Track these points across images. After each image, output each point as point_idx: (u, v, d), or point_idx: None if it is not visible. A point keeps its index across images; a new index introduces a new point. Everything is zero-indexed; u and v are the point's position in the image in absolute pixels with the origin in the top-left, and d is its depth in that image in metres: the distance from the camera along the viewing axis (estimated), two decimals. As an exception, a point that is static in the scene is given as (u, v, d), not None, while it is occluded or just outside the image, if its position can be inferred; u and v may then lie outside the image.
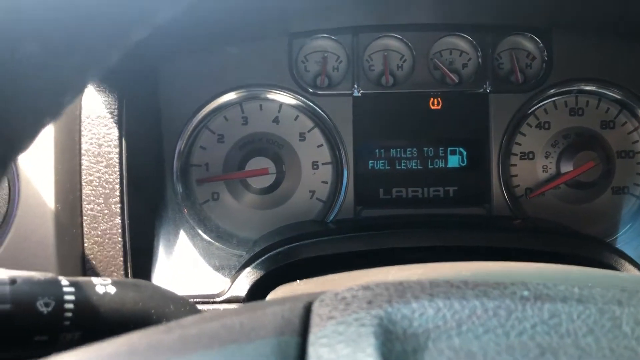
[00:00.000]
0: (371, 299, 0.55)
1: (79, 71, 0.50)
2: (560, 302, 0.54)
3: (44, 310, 0.66)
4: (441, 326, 0.51)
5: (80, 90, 0.53)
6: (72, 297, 0.69)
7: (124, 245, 1.05)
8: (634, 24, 1.25)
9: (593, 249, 1.11)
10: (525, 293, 0.56)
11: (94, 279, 0.73)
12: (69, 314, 0.68)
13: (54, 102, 0.50)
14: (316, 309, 0.56)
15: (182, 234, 1.23)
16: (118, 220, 1.05)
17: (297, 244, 1.09)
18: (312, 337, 0.51)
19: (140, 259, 1.10)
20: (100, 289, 0.72)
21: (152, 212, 1.19)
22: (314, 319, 0.54)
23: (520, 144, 1.31)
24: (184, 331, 0.53)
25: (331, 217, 1.29)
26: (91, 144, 1.06)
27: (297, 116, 1.30)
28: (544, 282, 0.59)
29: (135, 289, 0.77)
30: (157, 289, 0.80)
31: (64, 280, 0.70)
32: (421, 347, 0.49)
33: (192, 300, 1.06)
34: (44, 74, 0.47)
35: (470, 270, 0.90)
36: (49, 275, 0.68)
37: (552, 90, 1.29)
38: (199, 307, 1.06)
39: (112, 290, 0.73)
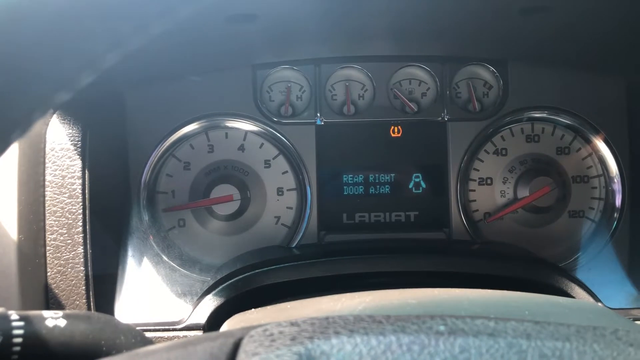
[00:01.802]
0: (295, 335, 0.59)
1: (47, 94, 0.51)
2: (472, 337, 0.58)
3: (-8, 344, 0.68)
4: (357, 362, 0.55)
5: (46, 111, 0.53)
6: (20, 332, 0.71)
7: (87, 274, 1.08)
8: (586, 55, 1.30)
9: (545, 273, 1.15)
10: (442, 328, 0.59)
11: (45, 313, 0.76)
12: (17, 348, 0.71)
13: (21, 121, 0.52)
14: (244, 345, 0.59)
15: (147, 261, 1.25)
16: (81, 249, 1.08)
17: (257, 271, 1.12)
18: (237, 373, 0.54)
19: (103, 287, 1.12)
20: (50, 322, 0.75)
21: (117, 240, 1.21)
22: (240, 355, 0.57)
23: (478, 170, 1.35)
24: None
25: (296, 242, 1.32)
26: (55, 175, 1.09)
27: (262, 144, 1.33)
28: (465, 314, 0.63)
29: (86, 321, 0.79)
30: (110, 321, 0.82)
31: (13, 315, 0.72)
32: (335, 382, 0.53)
33: (152, 327, 1.09)
34: (12, 97, 0.49)
35: (417, 298, 0.93)
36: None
37: (508, 118, 1.33)
38: (160, 334, 1.10)
39: (62, 323, 0.76)
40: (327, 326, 0.60)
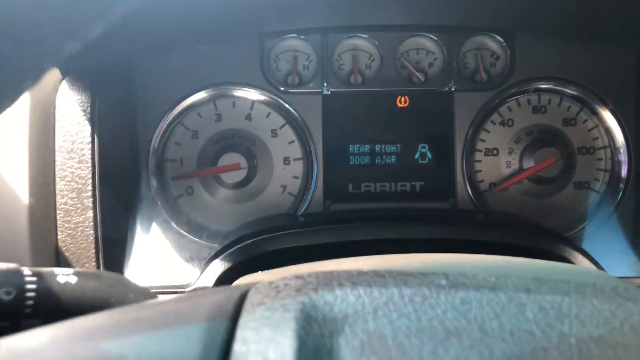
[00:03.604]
0: (300, 287, 0.60)
1: (58, 44, 0.52)
2: (474, 290, 0.59)
3: (6, 298, 0.70)
4: (359, 311, 0.56)
5: (58, 61, 0.55)
6: (33, 286, 0.73)
7: (96, 238, 1.10)
8: (594, 25, 1.29)
9: (549, 242, 1.16)
10: (443, 282, 0.61)
11: (56, 270, 0.78)
12: (30, 302, 0.73)
13: (32, 70, 0.53)
14: (250, 296, 0.61)
15: (155, 227, 1.27)
16: (90, 213, 1.10)
17: (264, 237, 1.14)
18: (241, 321, 0.56)
19: (112, 251, 1.14)
20: (61, 279, 0.77)
21: (126, 206, 1.23)
22: (247, 306, 0.58)
23: (484, 141, 1.35)
24: (123, 316, 0.58)
25: (302, 211, 1.34)
26: (64, 140, 1.11)
27: (269, 113, 1.34)
28: (467, 272, 0.64)
29: (96, 279, 0.81)
30: (119, 279, 0.84)
31: (26, 271, 0.74)
32: (338, 330, 0.54)
33: (161, 290, 1.11)
34: (23, 46, 0.50)
35: (421, 261, 0.95)
36: (12, 265, 0.73)
37: (514, 89, 1.33)
38: (168, 296, 1.12)
39: (73, 280, 0.78)
40: (332, 279, 0.61)
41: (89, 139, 1.11)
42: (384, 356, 0.51)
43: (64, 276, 0.78)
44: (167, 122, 1.31)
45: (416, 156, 1.36)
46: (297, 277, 0.63)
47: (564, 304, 0.57)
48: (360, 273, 0.63)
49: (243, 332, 0.54)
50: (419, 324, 0.55)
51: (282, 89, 1.33)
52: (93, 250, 1.10)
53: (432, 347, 0.52)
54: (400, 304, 0.57)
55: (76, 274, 0.79)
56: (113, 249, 1.15)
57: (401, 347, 0.52)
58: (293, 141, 1.34)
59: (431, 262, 0.92)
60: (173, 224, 1.29)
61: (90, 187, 1.10)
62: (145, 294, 0.86)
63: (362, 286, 0.59)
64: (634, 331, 0.54)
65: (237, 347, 0.53)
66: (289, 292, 0.59)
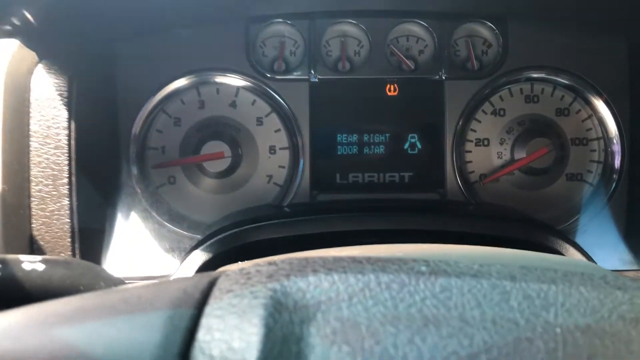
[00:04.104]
0: (272, 273, 0.57)
1: None
2: (455, 277, 0.56)
3: (-34, 284, 0.67)
4: (333, 298, 0.53)
5: None
6: (-4, 273, 0.70)
7: (72, 226, 1.06)
8: (588, 14, 1.26)
9: (540, 234, 1.13)
10: (423, 268, 0.57)
11: (22, 257, 0.74)
12: (-7, 289, 0.69)
13: None
14: (219, 283, 0.57)
15: (135, 216, 1.24)
16: (66, 201, 1.06)
17: (246, 227, 1.11)
18: (207, 309, 0.52)
19: (89, 240, 1.11)
20: (27, 266, 0.73)
21: (104, 194, 1.19)
22: (215, 292, 0.55)
23: (475, 131, 1.32)
24: (81, 303, 0.54)
25: (287, 202, 1.30)
26: (40, 125, 1.07)
27: (255, 100, 1.30)
28: (449, 259, 0.61)
29: (65, 266, 0.77)
30: (89, 268, 0.81)
31: (-11, 257, 0.71)
32: (309, 317, 0.51)
33: (139, 281, 1.08)
34: None
35: (405, 251, 0.92)
36: (-26, 251, 0.70)
37: (506, 78, 1.30)
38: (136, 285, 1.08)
39: (40, 267, 0.74)
40: (306, 265, 0.58)
41: (66, 124, 1.07)
42: (356, 345, 0.47)
43: (30, 263, 0.74)
44: (148, 109, 1.27)
45: (405, 146, 1.32)
46: (270, 263, 0.60)
47: (550, 293, 0.54)
48: (337, 259, 0.59)
49: (208, 320, 0.51)
50: (396, 311, 0.52)
51: (268, 75, 1.29)
52: (69, 240, 1.06)
53: (409, 335, 0.48)
54: (377, 290, 0.54)
55: (44, 261, 0.76)
56: (90, 238, 1.12)
57: (375, 335, 0.48)
58: (279, 130, 1.31)
59: (415, 251, 0.89)
60: (153, 214, 1.25)
61: (66, 174, 1.06)
62: (117, 283, 0.82)
63: (337, 272, 0.56)
64: (623, 320, 0.51)
65: (201, 335, 0.49)
66: (260, 278, 0.56)
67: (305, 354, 0.47)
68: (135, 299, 0.54)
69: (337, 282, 0.54)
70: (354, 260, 0.59)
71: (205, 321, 0.51)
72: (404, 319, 0.50)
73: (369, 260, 0.59)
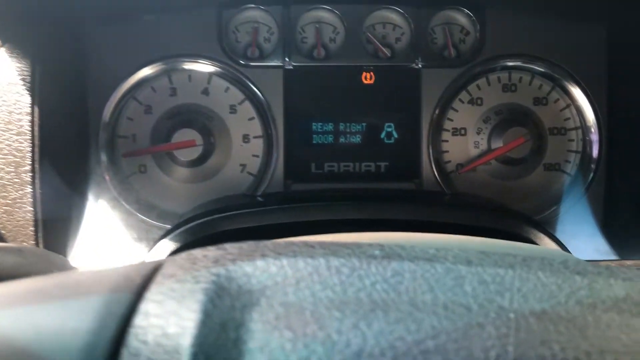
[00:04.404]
0: (219, 257, 0.54)
1: None
2: (408, 262, 0.53)
3: None
4: (279, 283, 0.50)
5: None
6: (-60, 259, 0.67)
7: (35, 215, 1.03)
8: (566, 1, 1.24)
9: (515, 224, 1.11)
10: (377, 252, 0.55)
11: (-30, 243, 0.71)
12: (-64, 276, 0.66)
13: None
14: (164, 268, 0.55)
15: (103, 205, 1.21)
16: (29, 189, 1.03)
17: (216, 216, 1.08)
18: (147, 294, 0.50)
19: (54, 229, 1.08)
20: (-25, 253, 0.70)
21: (71, 182, 1.16)
22: (157, 278, 0.53)
23: (452, 120, 1.30)
24: (16, 287, 0.52)
25: (261, 191, 1.28)
26: (1, 111, 1.04)
27: (228, 88, 1.27)
28: (406, 243, 0.59)
29: (17, 254, 0.75)
30: (44, 255, 0.78)
31: None
32: (252, 303, 0.48)
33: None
34: None
35: (371, 238, 0.89)
36: None
37: (483, 66, 1.28)
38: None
39: (-12, 254, 0.71)
40: (255, 250, 0.55)
41: (29, 110, 1.04)
42: (299, 330, 0.45)
43: (-22, 250, 0.72)
44: (118, 96, 1.24)
45: (382, 135, 1.30)
46: (219, 247, 0.57)
47: (507, 277, 0.52)
48: (289, 244, 0.57)
49: (146, 305, 0.48)
50: (344, 296, 0.49)
51: (241, 62, 1.26)
52: (32, 229, 1.03)
53: (354, 320, 0.46)
54: (326, 274, 0.51)
55: (-7, 247, 0.73)
56: (55, 227, 1.09)
57: (319, 320, 0.46)
58: (253, 118, 1.28)
59: (382, 239, 0.86)
60: (122, 202, 1.22)
61: (29, 162, 1.03)
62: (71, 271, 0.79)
63: (286, 257, 0.53)
64: (580, 305, 0.49)
65: (138, 321, 0.47)
66: (205, 263, 0.53)
67: (244, 340, 0.45)
68: (73, 284, 0.52)
69: (285, 266, 0.52)
70: (306, 244, 0.56)
71: (144, 306, 0.48)
72: (351, 304, 0.48)
73: (322, 244, 0.57)
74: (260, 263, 0.53)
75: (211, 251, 0.56)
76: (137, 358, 0.44)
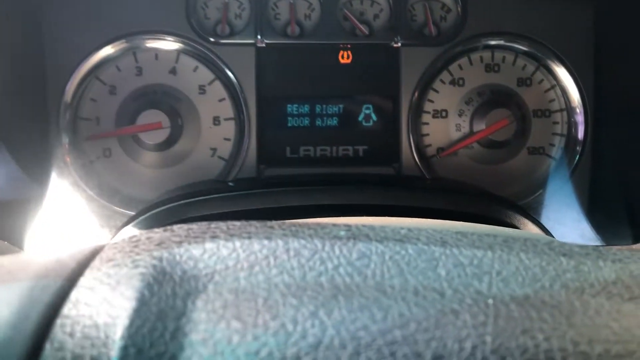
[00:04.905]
0: (164, 240, 0.48)
1: None
2: (376, 243, 0.48)
3: None
4: (230, 267, 0.45)
5: None
6: None
7: (-13, 199, 0.96)
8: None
9: (497, 209, 1.06)
10: (342, 233, 0.49)
11: None
12: None
13: None
14: (104, 251, 0.49)
15: (63, 190, 1.14)
16: (-20, 172, 0.96)
17: (182, 202, 1.02)
18: (82, 280, 0.44)
19: (10, 215, 1.01)
20: None
21: (29, 165, 1.09)
22: (95, 262, 0.47)
23: (432, 101, 1.24)
24: None
25: (233, 177, 1.22)
26: (-50, 89, 0.96)
27: (196, 67, 1.21)
28: (375, 224, 0.53)
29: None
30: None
31: None
32: (197, 289, 0.42)
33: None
34: None
35: (346, 223, 0.84)
36: None
37: (465, 45, 1.22)
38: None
39: None
40: (206, 231, 0.50)
41: (-20, 89, 0.97)
42: (249, 320, 0.39)
43: None
44: (80, 76, 1.17)
45: (360, 118, 1.24)
46: (165, 230, 0.51)
47: (486, 260, 0.47)
48: (244, 225, 0.51)
49: (78, 293, 0.42)
50: (303, 281, 0.44)
51: (211, 39, 1.19)
52: (-17, 214, 0.96)
53: (313, 309, 0.40)
54: (284, 257, 0.45)
55: None
56: (11, 213, 1.02)
57: (272, 308, 0.40)
58: (224, 99, 1.21)
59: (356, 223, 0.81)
60: (83, 186, 1.15)
61: (-19, 144, 0.96)
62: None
63: (239, 238, 0.48)
64: (566, 290, 0.44)
65: (66, 310, 0.41)
66: (148, 246, 0.47)
67: (185, 332, 0.39)
68: (-2, 270, 0.46)
69: (237, 249, 0.46)
70: (264, 225, 0.51)
71: (75, 294, 0.42)
72: (310, 290, 0.42)
73: (282, 225, 0.51)
74: (209, 245, 0.47)
75: (157, 233, 0.50)
76: (61, 353, 0.38)
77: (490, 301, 0.42)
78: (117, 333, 0.38)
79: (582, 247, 0.51)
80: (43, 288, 0.43)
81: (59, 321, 0.40)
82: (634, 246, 0.99)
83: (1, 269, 0.45)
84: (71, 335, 0.39)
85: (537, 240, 0.52)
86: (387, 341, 0.38)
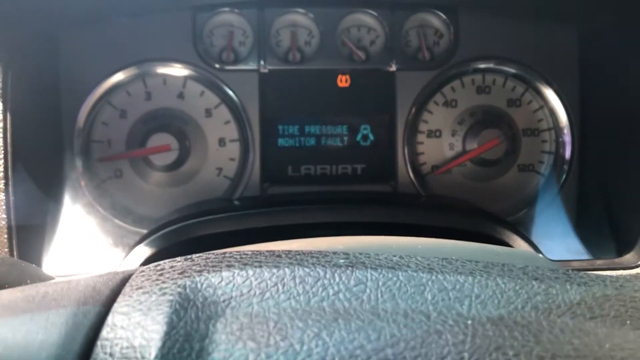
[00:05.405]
0: (185, 269, 0.55)
1: None
2: (371, 270, 0.55)
3: None
4: (244, 294, 0.51)
5: None
6: None
7: (9, 223, 1.02)
8: (539, 3, 1.26)
9: (488, 225, 1.13)
10: (341, 261, 0.56)
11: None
12: None
13: None
14: (132, 280, 0.55)
15: (78, 211, 1.21)
16: (2, 196, 1.02)
17: (192, 221, 1.08)
18: (115, 306, 0.51)
19: (29, 237, 1.07)
20: (-54, 264, 0.70)
21: (45, 189, 1.16)
22: (125, 289, 0.53)
23: (427, 122, 1.31)
24: (-18, 301, 0.52)
25: (238, 195, 1.28)
26: (-27, 117, 1.03)
27: (203, 92, 1.28)
28: (371, 251, 0.60)
29: (-11, 264, 0.75)
30: (16, 265, 0.78)
31: None
32: (217, 314, 0.49)
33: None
34: None
35: (344, 243, 0.91)
36: None
37: (457, 69, 1.29)
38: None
39: (-40, 265, 0.71)
40: (221, 260, 0.56)
41: (0, 116, 1.04)
42: (262, 341, 0.46)
43: (-51, 261, 0.72)
44: (93, 101, 1.23)
45: (358, 138, 1.31)
46: (186, 259, 0.58)
47: (466, 285, 0.54)
48: (256, 254, 0.58)
49: (114, 318, 0.49)
50: (307, 306, 0.51)
51: (216, 66, 1.26)
52: (5, 237, 1.02)
53: (316, 330, 0.47)
54: (291, 284, 0.52)
55: (-36, 258, 0.73)
56: (29, 235, 1.08)
57: (282, 330, 0.47)
58: (229, 121, 1.28)
59: (355, 244, 0.88)
60: (98, 208, 1.22)
61: (1, 169, 1.03)
62: (43, 279, 0.80)
63: (251, 267, 0.55)
64: (535, 311, 0.51)
65: (105, 333, 0.48)
66: (172, 274, 0.54)
67: (208, 352, 0.46)
68: (41, 297, 0.52)
69: (250, 277, 0.53)
70: (273, 254, 0.58)
71: (111, 319, 0.49)
72: (314, 314, 0.49)
73: (288, 254, 0.58)
74: (226, 274, 0.54)
75: (179, 262, 0.57)
76: (103, 371, 0.45)
77: (469, 322, 0.49)
78: (152, 353, 0.44)
79: (553, 271, 0.58)
80: (85, 314, 0.50)
81: (99, 343, 0.47)
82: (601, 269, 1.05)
83: (47, 297, 0.52)
84: (111, 355, 0.46)
85: (514, 266, 0.58)
86: (380, 358, 0.45)
